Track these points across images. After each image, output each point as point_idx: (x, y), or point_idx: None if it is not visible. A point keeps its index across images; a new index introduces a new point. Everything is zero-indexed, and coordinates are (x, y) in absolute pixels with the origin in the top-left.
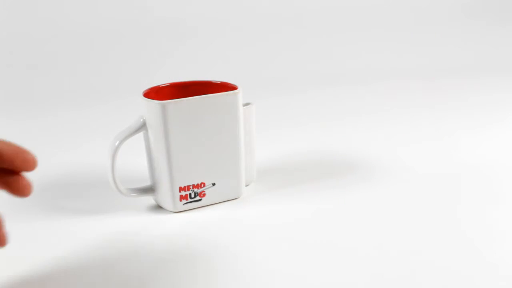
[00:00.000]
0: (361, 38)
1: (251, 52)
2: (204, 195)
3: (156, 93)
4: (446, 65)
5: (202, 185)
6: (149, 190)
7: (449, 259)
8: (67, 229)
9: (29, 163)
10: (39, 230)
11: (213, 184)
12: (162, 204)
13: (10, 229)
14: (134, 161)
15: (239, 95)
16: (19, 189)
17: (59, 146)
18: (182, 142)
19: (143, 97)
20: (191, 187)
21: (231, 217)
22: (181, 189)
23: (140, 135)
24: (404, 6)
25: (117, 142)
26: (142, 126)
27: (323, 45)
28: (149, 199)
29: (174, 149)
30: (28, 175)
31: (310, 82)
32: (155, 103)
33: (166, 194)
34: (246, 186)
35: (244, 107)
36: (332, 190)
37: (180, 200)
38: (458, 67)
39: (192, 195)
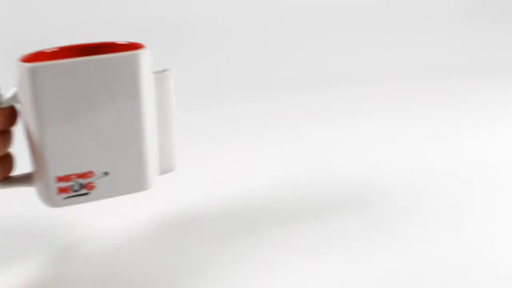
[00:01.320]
0: (360, 38)
1: (250, 52)
2: (92, 187)
3: (39, 57)
4: (446, 65)
5: (90, 175)
6: (25, 179)
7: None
8: None
9: None
10: None
11: (106, 174)
12: (40, 198)
13: None
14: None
15: (142, 56)
16: None
17: None
18: (59, 118)
19: (16, 60)
20: (73, 177)
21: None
22: (59, 179)
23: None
24: (404, 6)
25: None
26: (12, 98)
27: (324, 46)
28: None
29: (48, 127)
30: None
31: (308, 82)
32: (23, 66)
33: (42, 185)
34: (161, 174)
35: (155, 74)
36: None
37: (59, 193)
38: (458, 67)
39: (76, 187)
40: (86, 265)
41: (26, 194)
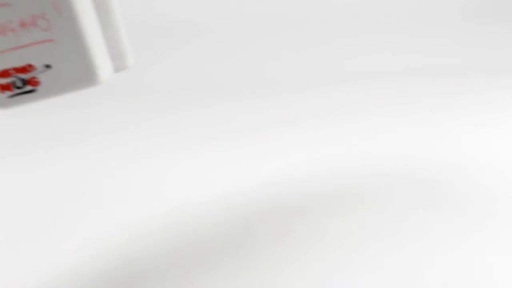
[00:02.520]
0: (360, 38)
1: (251, 52)
2: (37, 83)
3: None
4: (446, 65)
5: (30, 68)
6: None
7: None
8: None
9: None
10: None
11: (48, 67)
12: None
13: None
14: None
15: None
16: None
17: None
18: None
19: None
20: (12, 71)
21: None
22: None
23: None
24: (404, 6)
25: None
26: None
27: (324, 46)
28: None
29: None
30: None
31: (308, 82)
32: None
33: None
34: (116, 72)
35: None
36: None
37: (2, 92)
38: (458, 67)
39: (19, 84)
40: None
41: None
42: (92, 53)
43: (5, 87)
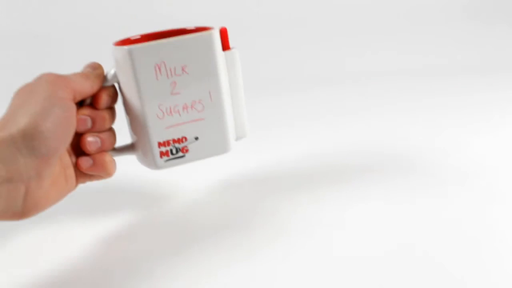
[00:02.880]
0: (360, 38)
1: (250, 52)
2: (187, 150)
3: (127, 43)
4: (446, 65)
5: (184, 140)
6: (129, 148)
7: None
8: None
9: None
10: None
11: (196, 139)
12: (143, 163)
13: None
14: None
15: (214, 36)
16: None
17: None
18: (155, 92)
19: (112, 45)
20: (171, 142)
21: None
22: (160, 144)
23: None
24: (404, 6)
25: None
26: (113, 78)
27: (324, 45)
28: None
29: (148, 100)
30: None
31: (309, 82)
32: (122, 49)
33: (146, 151)
34: (237, 140)
35: (226, 52)
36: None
37: (161, 157)
38: (458, 67)
39: (174, 151)
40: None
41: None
42: (228, 128)
43: (164, 154)
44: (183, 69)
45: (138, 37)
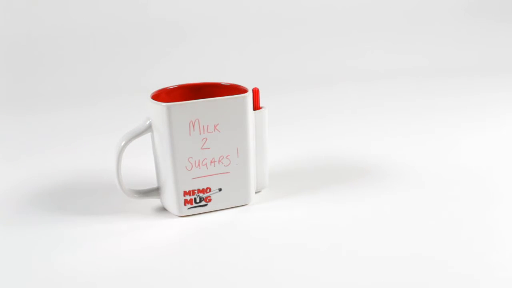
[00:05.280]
0: (361, 37)
1: (252, 52)
2: (210, 200)
3: (165, 95)
4: (446, 65)
5: (208, 190)
6: (155, 192)
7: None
8: (68, 233)
9: None
10: (41, 235)
11: (220, 190)
12: (167, 207)
13: (9, 235)
14: (144, 163)
15: (248, 99)
16: None
17: (61, 147)
18: (187, 146)
19: (150, 99)
20: (196, 191)
21: (237, 223)
22: (185, 193)
23: (148, 136)
24: (404, 6)
25: (123, 142)
26: (149, 128)
27: (325, 45)
28: (156, 201)
29: (179, 153)
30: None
31: (311, 82)
32: (161, 105)
33: (171, 198)
34: (257, 192)
35: (256, 111)
36: (345, 195)
37: (185, 205)
38: (458, 67)
39: (197, 200)
40: (87, 269)
41: (29, 201)
42: (251, 182)
43: (188, 202)
44: (215, 127)
45: (175, 87)
